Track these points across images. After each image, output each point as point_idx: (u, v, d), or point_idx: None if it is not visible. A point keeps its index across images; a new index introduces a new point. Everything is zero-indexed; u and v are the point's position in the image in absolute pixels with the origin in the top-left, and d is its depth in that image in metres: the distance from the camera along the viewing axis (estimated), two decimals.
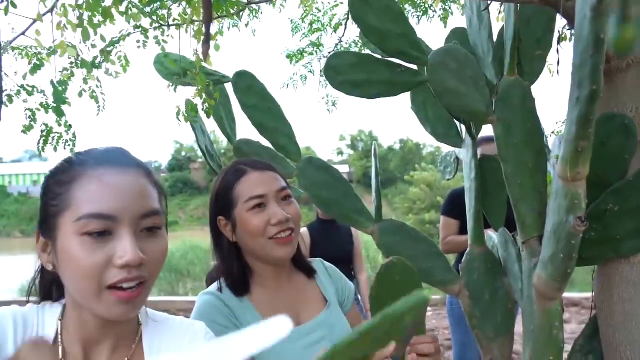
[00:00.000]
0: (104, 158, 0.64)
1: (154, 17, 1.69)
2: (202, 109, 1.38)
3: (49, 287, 0.72)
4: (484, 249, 1.42)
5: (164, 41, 1.75)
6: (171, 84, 1.37)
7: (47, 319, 0.68)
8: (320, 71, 2.72)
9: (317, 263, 1.16)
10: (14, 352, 0.61)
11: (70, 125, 2.13)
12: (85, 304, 0.62)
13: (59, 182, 0.63)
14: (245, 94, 1.54)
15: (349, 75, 1.11)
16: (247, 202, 0.97)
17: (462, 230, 2.35)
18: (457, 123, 1.56)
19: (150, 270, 0.64)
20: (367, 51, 1.41)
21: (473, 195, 1.41)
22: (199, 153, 1.56)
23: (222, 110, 1.60)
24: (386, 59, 1.11)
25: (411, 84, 1.12)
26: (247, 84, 1.53)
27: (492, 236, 1.53)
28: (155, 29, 1.72)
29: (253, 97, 1.54)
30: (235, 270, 1.01)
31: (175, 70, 1.43)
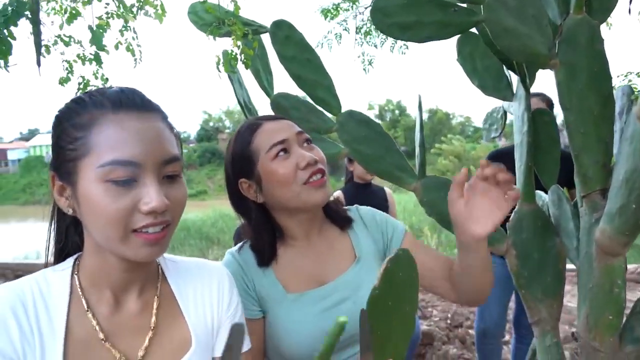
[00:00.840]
0: (121, 100, 0.62)
1: None
2: (240, 60, 1.33)
3: (64, 232, 0.72)
4: (534, 206, 1.35)
5: None
6: (208, 35, 1.32)
7: (53, 284, 0.66)
8: (356, 29, 2.61)
9: (352, 211, 1.07)
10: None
11: (107, 79, 2.12)
12: (111, 248, 0.62)
13: (75, 125, 0.61)
14: (284, 45, 1.48)
15: (398, 17, 1.03)
16: (270, 150, 0.89)
17: None
18: (508, 74, 1.46)
19: (173, 214, 0.64)
20: None
21: (524, 150, 1.33)
22: (227, 123, 1.52)
23: (259, 62, 1.55)
24: None
25: (465, 24, 1.03)
26: (285, 34, 1.47)
27: (541, 195, 1.45)
28: None
29: (291, 48, 1.47)
30: (265, 236, 0.95)
31: (210, 19, 1.38)
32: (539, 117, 1.36)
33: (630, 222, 0.84)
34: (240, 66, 1.48)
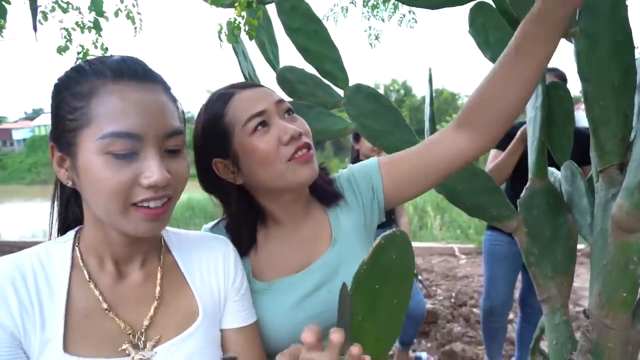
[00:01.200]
0: (122, 70, 0.60)
1: None
2: (244, 30, 1.29)
3: (65, 204, 0.71)
4: (545, 182, 1.32)
5: None
6: (210, 4, 1.27)
7: (54, 256, 0.65)
8: (364, 1, 2.54)
9: (336, 179, 0.94)
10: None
11: (106, 48, 2.08)
12: (111, 221, 0.61)
13: (75, 94, 0.59)
14: (290, 16, 1.43)
15: None
16: (247, 124, 0.77)
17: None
18: None
19: (175, 188, 0.63)
20: None
21: (538, 126, 1.29)
22: None
23: (264, 34, 1.50)
24: None
25: None
26: (291, 4, 1.42)
27: (553, 171, 1.42)
28: None
29: (298, 19, 1.43)
30: (244, 223, 0.85)
31: None
32: (553, 91, 1.32)
33: None
34: (244, 37, 1.44)
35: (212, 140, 0.81)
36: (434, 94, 1.50)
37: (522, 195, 1.34)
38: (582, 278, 3.55)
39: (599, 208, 1.04)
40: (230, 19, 1.26)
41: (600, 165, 1.01)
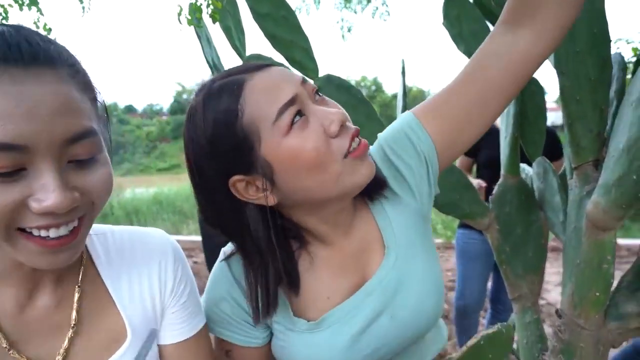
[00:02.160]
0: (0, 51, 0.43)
1: None
2: (207, 13, 1.20)
3: None
4: (518, 179, 1.30)
5: None
6: None
7: None
8: None
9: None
10: None
11: (50, 29, 1.90)
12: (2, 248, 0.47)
13: None
14: (257, 0, 1.35)
15: None
16: (278, 119, 0.56)
17: (478, 168, 2.27)
18: None
19: (89, 206, 0.48)
20: None
21: (511, 121, 1.27)
22: None
23: (230, 19, 1.42)
24: None
25: None
26: None
27: (524, 167, 1.40)
28: None
29: (266, 4, 1.35)
30: (285, 259, 0.64)
31: None
32: (526, 86, 1.29)
33: (629, 194, 0.79)
34: (208, 22, 1.35)
35: (225, 153, 0.58)
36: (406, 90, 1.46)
37: (494, 191, 1.31)
38: (546, 272, 3.61)
39: (572, 205, 1.01)
40: (192, 1, 1.17)
41: (575, 162, 0.98)
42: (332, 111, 0.58)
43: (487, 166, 2.17)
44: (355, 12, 2.56)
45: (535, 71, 0.65)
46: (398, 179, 0.68)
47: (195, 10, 1.14)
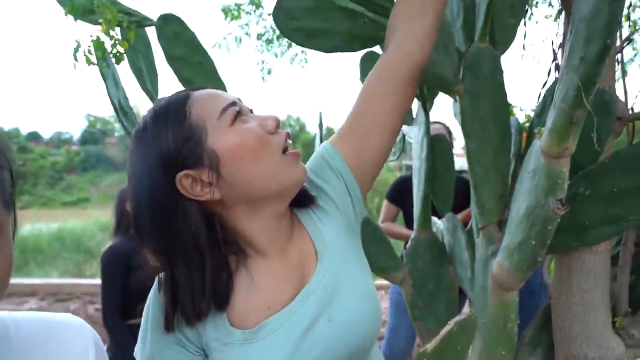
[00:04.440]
0: None
1: None
2: (111, 52, 1.12)
3: None
4: (430, 234, 1.33)
5: None
6: (66, 14, 1.07)
7: None
8: (258, 35, 2.49)
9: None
10: None
11: None
12: None
13: None
14: (172, 43, 1.30)
15: (304, 21, 0.93)
16: (223, 114, 0.63)
17: (405, 218, 2.32)
18: None
19: None
20: None
21: (422, 178, 1.31)
22: (117, 125, 1.29)
23: (142, 60, 1.34)
24: (348, 6, 0.94)
25: (374, 38, 0.96)
26: (173, 30, 1.29)
27: (435, 221, 1.45)
28: None
29: (181, 48, 1.30)
30: (217, 267, 0.64)
31: (82, 3, 1.15)
32: (436, 143, 1.35)
33: (530, 258, 0.82)
34: (119, 60, 1.26)
35: (173, 148, 0.62)
36: (325, 132, 1.47)
37: (407, 246, 1.33)
38: None
39: (479, 264, 1.04)
40: (91, 36, 1.08)
41: (480, 222, 1.02)
42: (268, 115, 0.66)
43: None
44: (277, 56, 2.60)
45: (410, 78, 0.73)
46: (322, 196, 0.73)
47: (97, 48, 1.05)
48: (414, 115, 1.42)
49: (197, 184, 0.62)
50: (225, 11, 2.50)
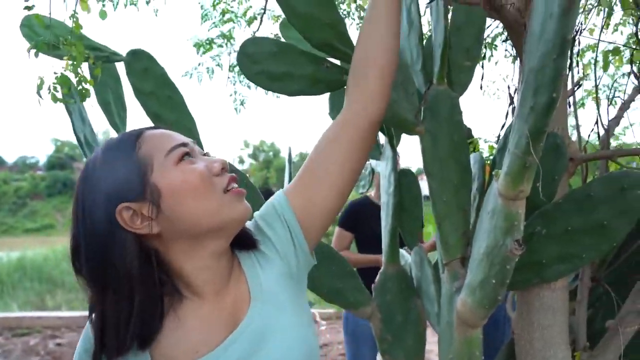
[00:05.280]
0: None
1: None
2: (77, 88, 1.11)
3: None
4: (398, 267, 1.35)
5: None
6: (34, 51, 1.06)
7: None
8: (230, 66, 2.52)
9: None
10: None
11: None
12: None
13: None
14: (141, 78, 1.30)
15: (268, 65, 0.95)
16: (170, 152, 0.65)
17: (358, 243, 2.31)
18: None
19: None
20: None
21: (390, 212, 1.33)
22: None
23: (110, 94, 1.34)
24: (310, 51, 0.97)
25: (337, 82, 0.99)
26: (143, 65, 1.29)
27: (404, 254, 1.47)
28: None
29: (150, 83, 1.30)
30: (151, 301, 0.64)
31: (49, 37, 1.15)
32: (403, 178, 1.38)
33: (491, 296, 0.84)
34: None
35: (118, 179, 0.64)
36: (299, 158, 1.48)
37: (376, 279, 1.34)
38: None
39: (445, 300, 1.06)
40: (56, 73, 1.07)
41: (445, 258, 1.04)
42: (216, 158, 0.68)
43: (366, 242, 2.22)
44: (249, 87, 2.63)
45: (365, 137, 0.75)
46: (266, 241, 0.75)
47: (61, 84, 1.03)
48: (382, 150, 1.46)
49: (137, 217, 0.64)
50: (197, 45, 2.53)
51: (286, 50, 0.94)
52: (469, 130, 2.02)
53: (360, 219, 2.24)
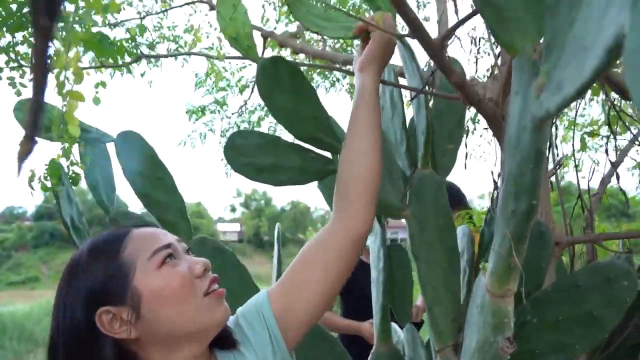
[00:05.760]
0: None
1: (11, 55, 1.38)
2: (68, 174, 1.12)
3: None
4: (390, 346, 1.31)
5: (22, 85, 1.39)
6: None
7: None
8: (222, 131, 2.57)
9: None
10: None
11: None
12: None
13: None
14: (130, 160, 1.31)
15: (254, 157, 0.97)
16: (153, 257, 0.66)
17: (345, 304, 2.27)
18: None
19: None
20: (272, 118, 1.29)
21: (381, 289, 1.31)
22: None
23: (99, 175, 1.34)
24: (296, 142, 1.00)
25: (323, 172, 1.01)
26: (133, 147, 1.31)
27: (396, 329, 1.44)
28: (12, 69, 1.41)
29: (140, 164, 1.31)
30: None
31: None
32: (394, 253, 1.38)
33: None
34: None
35: (99, 286, 0.65)
36: (290, 206, 1.48)
37: (369, 359, 1.31)
38: None
39: None
40: (52, 159, 1.09)
41: (437, 345, 1.02)
42: (199, 259, 0.69)
43: (354, 303, 2.16)
44: None
45: (352, 249, 0.78)
46: (244, 341, 0.75)
47: (52, 174, 1.04)
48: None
49: (117, 321, 0.64)
50: (190, 112, 2.59)
51: (272, 143, 0.96)
52: (464, 198, 2.03)
53: (349, 282, 2.20)
